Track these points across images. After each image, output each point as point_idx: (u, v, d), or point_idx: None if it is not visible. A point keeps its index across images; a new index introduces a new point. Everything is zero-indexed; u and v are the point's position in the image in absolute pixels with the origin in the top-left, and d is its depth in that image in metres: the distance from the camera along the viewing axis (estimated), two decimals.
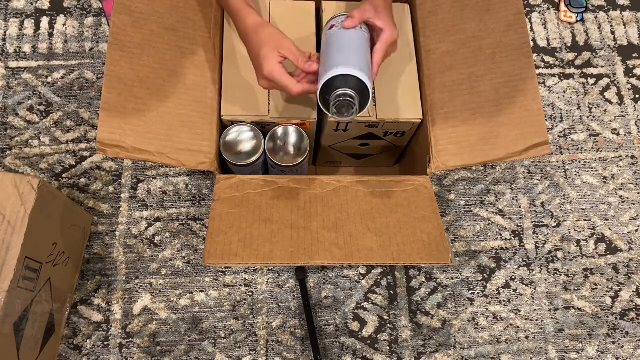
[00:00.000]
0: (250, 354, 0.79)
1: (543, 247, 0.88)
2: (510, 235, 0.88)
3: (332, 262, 0.59)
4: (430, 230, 0.62)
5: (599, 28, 1.02)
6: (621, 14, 1.04)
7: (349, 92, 0.54)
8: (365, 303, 0.83)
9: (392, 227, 0.62)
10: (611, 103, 0.97)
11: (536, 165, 0.93)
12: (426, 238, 0.61)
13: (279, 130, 0.69)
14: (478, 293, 0.85)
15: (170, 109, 0.65)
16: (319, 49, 0.74)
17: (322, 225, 0.61)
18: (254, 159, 0.68)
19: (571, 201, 0.91)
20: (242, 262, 0.57)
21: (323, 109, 0.58)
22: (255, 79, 0.70)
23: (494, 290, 0.85)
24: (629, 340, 0.83)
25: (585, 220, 0.90)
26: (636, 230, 0.90)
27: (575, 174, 0.93)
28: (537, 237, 0.88)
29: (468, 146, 0.68)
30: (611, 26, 1.03)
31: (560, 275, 0.86)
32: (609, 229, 0.90)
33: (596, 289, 0.86)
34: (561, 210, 0.90)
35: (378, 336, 0.82)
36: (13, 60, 0.94)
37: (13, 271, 0.61)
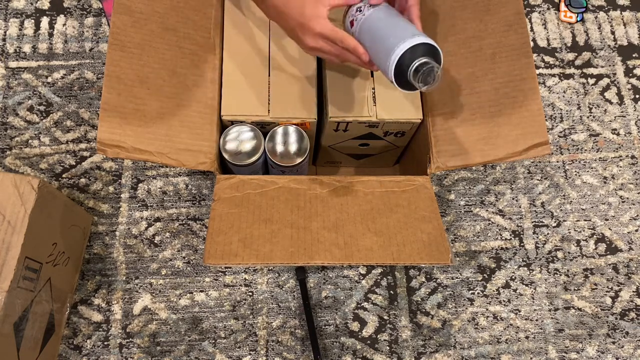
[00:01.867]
0: (250, 354, 0.79)
1: (543, 247, 0.88)
2: (510, 235, 0.88)
3: (332, 262, 0.59)
4: (430, 230, 0.62)
5: (599, 28, 1.02)
6: (621, 14, 1.04)
7: (425, 59, 0.52)
8: (365, 303, 0.83)
9: (392, 227, 0.62)
10: (611, 103, 0.97)
11: (536, 165, 0.93)
12: (426, 238, 0.61)
13: (279, 130, 0.69)
14: (478, 293, 0.85)
15: (170, 109, 0.65)
16: None
17: (322, 225, 0.61)
18: (254, 159, 0.68)
19: (571, 201, 0.91)
20: (242, 262, 0.57)
21: (403, 90, 0.55)
22: (255, 78, 0.70)
23: (494, 290, 0.85)
24: (629, 340, 0.83)
25: (585, 220, 0.90)
26: (636, 230, 0.90)
27: (575, 174, 0.93)
28: (537, 237, 0.88)
29: (468, 146, 0.68)
30: (611, 26, 1.03)
31: (560, 275, 0.86)
32: (609, 229, 0.90)
33: (596, 289, 0.86)
34: (561, 210, 0.90)
35: (378, 336, 0.82)
36: (13, 60, 0.94)
37: (13, 271, 0.61)
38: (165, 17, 0.68)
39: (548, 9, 1.04)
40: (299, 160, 0.68)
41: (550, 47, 1.01)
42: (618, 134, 0.95)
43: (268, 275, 0.84)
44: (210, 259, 0.57)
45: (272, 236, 0.59)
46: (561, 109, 0.97)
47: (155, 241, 0.84)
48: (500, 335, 0.83)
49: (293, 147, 0.69)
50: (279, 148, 0.69)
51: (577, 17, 1.02)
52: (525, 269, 0.86)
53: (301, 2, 0.53)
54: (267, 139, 0.69)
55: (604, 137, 0.95)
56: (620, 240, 0.89)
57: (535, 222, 0.89)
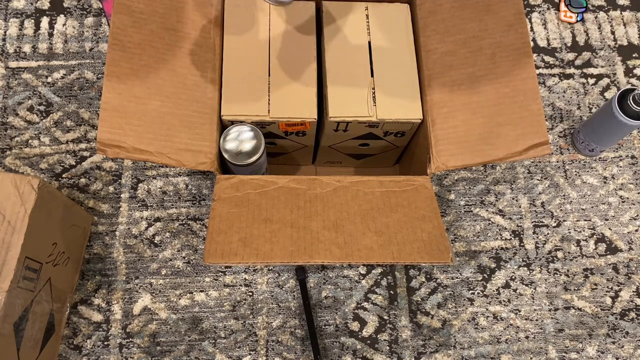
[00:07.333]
0: (250, 354, 0.79)
1: (543, 247, 0.88)
2: (510, 235, 0.88)
3: (332, 261, 0.59)
4: (431, 229, 0.62)
5: (599, 28, 1.03)
6: (621, 14, 1.04)
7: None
8: (365, 303, 0.83)
9: (392, 227, 0.62)
10: None
11: (536, 165, 0.93)
12: (426, 237, 0.61)
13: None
14: (478, 293, 0.85)
15: (170, 109, 0.65)
16: (319, 50, 0.74)
17: (322, 224, 0.61)
18: (254, 159, 0.68)
19: (571, 201, 0.91)
20: (242, 261, 0.57)
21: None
22: (255, 79, 0.71)
23: (494, 290, 0.85)
24: (629, 340, 0.83)
25: (585, 220, 0.90)
26: (636, 230, 0.90)
27: (575, 174, 0.93)
28: (537, 237, 0.88)
29: (468, 146, 0.68)
30: (611, 26, 1.03)
31: (560, 275, 0.86)
32: (609, 229, 0.90)
33: (596, 289, 0.86)
34: (561, 210, 0.90)
35: (378, 336, 0.82)
36: (13, 60, 0.94)
37: (13, 271, 0.61)
38: (165, 17, 0.68)
39: (548, 9, 1.04)
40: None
41: (550, 47, 1.01)
42: None
43: (268, 275, 0.84)
44: (210, 258, 0.57)
45: (272, 235, 0.60)
46: (561, 109, 0.97)
47: (155, 241, 0.84)
48: (500, 335, 0.83)
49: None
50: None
51: (577, 17, 1.02)
52: (525, 269, 0.86)
53: None
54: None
55: None
56: (620, 240, 0.89)
57: (535, 222, 0.89)
